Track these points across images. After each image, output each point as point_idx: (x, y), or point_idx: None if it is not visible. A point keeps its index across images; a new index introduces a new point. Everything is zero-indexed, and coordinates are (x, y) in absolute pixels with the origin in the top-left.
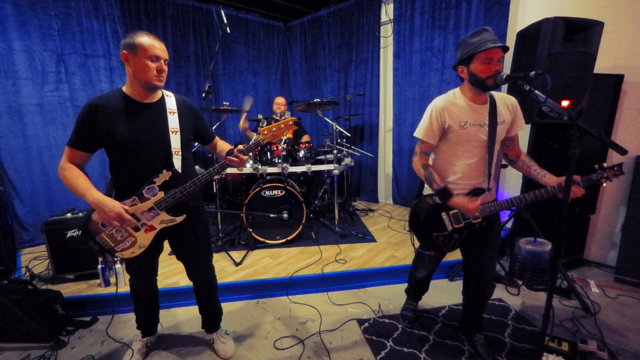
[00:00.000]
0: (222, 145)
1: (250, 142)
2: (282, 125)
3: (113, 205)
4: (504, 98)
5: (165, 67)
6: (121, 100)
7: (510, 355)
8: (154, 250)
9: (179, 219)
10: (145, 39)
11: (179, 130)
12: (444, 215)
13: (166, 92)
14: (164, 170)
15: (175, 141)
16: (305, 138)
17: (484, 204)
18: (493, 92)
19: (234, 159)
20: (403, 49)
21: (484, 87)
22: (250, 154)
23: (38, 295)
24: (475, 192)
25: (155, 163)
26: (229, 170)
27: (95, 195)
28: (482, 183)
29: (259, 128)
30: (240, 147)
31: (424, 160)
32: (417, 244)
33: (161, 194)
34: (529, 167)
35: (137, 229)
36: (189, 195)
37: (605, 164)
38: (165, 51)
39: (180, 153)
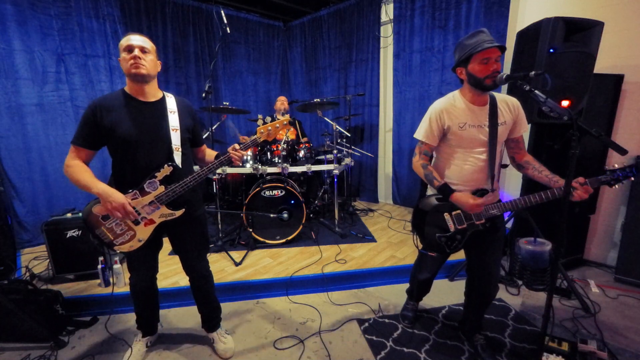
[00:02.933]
0: (210, 151)
1: (248, 140)
2: (277, 125)
3: (118, 196)
4: (505, 99)
5: (140, 54)
6: (122, 98)
7: (510, 355)
8: (154, 245)
9: (178, 213)
10: (124, 38)
11: (178, 128)
12: (446, 215)
13: (167, 94)
14: (165, 165)
15: (176, 138)
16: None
17: (487, 205)
18: (494, 93)
19: (237, 152)
20: (403, 49)
21: (482, 87)
22: (250, 153)
23: (38, 295)
24: (479, 194)
25: (156, 159)
26: (229, 170)
27: (101, 186)
28: (485, 184)
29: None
30: (244, 139)
31: (423, 160)
32: (420, 245)
33: (162, 188)
34: (540, 173)
35: (136, 223)
36: (189, 190)
37: (616, 165)
38: (141, 40)
39: (180, 149)
